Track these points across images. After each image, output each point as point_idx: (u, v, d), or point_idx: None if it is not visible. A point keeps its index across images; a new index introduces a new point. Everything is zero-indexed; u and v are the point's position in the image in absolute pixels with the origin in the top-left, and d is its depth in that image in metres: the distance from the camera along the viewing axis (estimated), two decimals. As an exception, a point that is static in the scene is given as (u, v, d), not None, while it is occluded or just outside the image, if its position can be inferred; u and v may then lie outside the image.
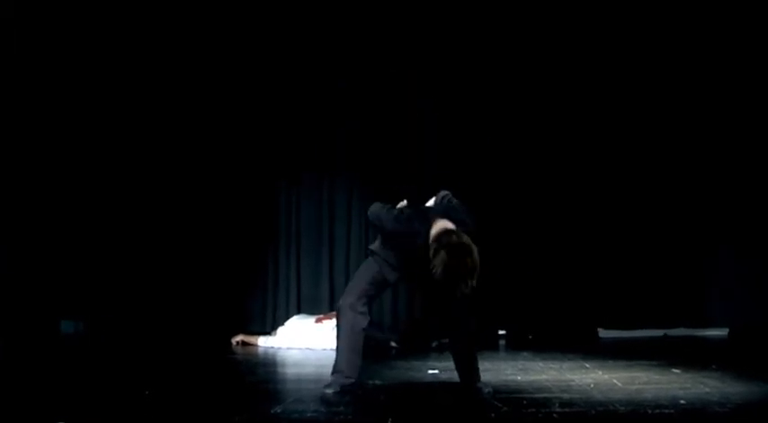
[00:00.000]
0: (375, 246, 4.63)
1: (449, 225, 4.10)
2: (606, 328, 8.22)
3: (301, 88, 8.56)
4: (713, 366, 5.25)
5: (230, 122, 8.68)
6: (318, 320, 7.39)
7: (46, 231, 8.16)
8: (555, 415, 3.58)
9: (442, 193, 4.63)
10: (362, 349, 4.53)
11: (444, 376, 5.11)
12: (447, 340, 6.90)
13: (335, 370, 4.45)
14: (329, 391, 4.32)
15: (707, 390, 4.24)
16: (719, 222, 8.23)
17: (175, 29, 8.26)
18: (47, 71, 8.09)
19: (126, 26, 8.14)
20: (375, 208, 4.54)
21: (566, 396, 4.10)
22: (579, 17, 8.14)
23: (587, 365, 5.50)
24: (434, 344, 7.25)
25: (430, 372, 5.38)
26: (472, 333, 4.57)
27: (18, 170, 7.79)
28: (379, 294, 4.84)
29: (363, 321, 4.49)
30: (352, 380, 4.43)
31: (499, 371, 5.32)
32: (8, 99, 7.56)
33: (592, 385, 4.51)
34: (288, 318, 7.86)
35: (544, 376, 4.99)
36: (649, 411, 3.61)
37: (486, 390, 4.35)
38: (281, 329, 7.56)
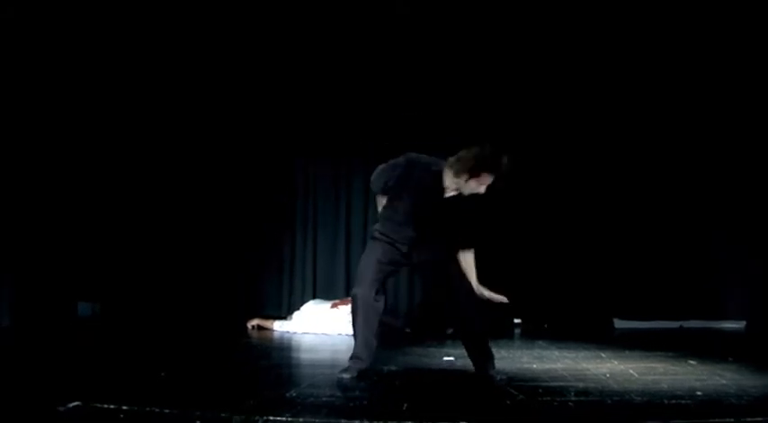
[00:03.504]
0: (377, 226, 4.66)
1: None
2: (622, 318, 8.20)
3: (320, 72, 8.56)
4: (730, 358, 5.22)
5: (247, 106, 8.71)
6: (334, 306, 7.39)
7: (63, 216, 8.20)
8: (570, 404, 3.56)
9: None
10: (378, 334, 4.55)
11: (459, 363, 5.09)
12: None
13: (353, 355, 4.46)
14: (345, 375, 4.32)
15: (724, 382, 4.21)
16: (737, 215, 8.19)
17: (197, 12, 8.27)
18: (66, 66, 8.12)
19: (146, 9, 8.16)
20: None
21: (581, 385, 4.08)
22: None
23: (603, 355, 5.48)
24: (449, 331, 7.24)
25: (445, 358, 5.37)
26: (481, 320, 4.55)
27: (38, 159, 7.82)
28: (392, 274, 4.79)
29: (378, 307, 4.50)
30: (367, 364, 4.45)
31: (515, 359, 5.31)
32: (26, 96, 7.56)
33: (607, 375, 4.49)
34: (303, 303, 7.88)
35: (560, 365, 4.98)
36: (665, 402, 3.59)
37: (500, 377, 4.34)
38: (296, 314, 7.57)
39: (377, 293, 4.51)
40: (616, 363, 5.06)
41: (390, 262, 4.57)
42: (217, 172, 8.74)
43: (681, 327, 8.10)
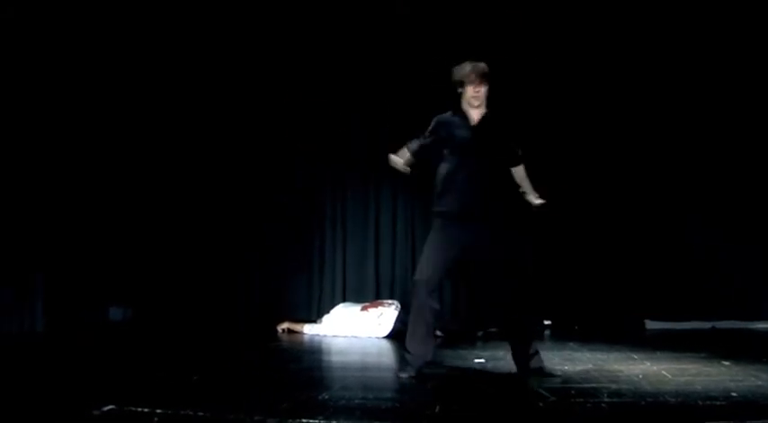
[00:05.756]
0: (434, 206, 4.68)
1: None
2: (653, 319, 8.12)
3: (350, 81, 8.57)
4: (765, 359, 5.16)
5: (277, 111, 8.73)
6: (364, 309, 7.40)
7: (96, 222, 8.28)
8: (604, 405, 3.54)
9: None
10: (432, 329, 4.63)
11: (490, 365, 5.09)
12: (493, 329, 6.98)
13: (407, 351, 4.53)
14: (404, 375, 4.40)
15: (759, 382, 4.16)
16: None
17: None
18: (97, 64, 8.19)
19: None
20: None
21: (614, 387, 4.06)
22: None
23: (635, 357, 5.43)
24: (480, 333, 7.24)
25: (476, 360, 5.36)
26: (526, 317, 4.57)
27: (71, 165, 7.91)
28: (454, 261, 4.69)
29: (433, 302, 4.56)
30: (427, 360, 4.53)
31: (546, 361, 5.27)
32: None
33: (640, 376, 4.46)
34: (333, 306, 7.89)
35: (591, 366, 4.95)
36: (700, 403, 3.56)
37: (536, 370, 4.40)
38: (326, 317, 7.59)
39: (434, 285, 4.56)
40: (648, 364, 5.02)
41: (449, 241, 4.55)
42: (247, 176, 8.75)
43: (713, 327, 8.02)
